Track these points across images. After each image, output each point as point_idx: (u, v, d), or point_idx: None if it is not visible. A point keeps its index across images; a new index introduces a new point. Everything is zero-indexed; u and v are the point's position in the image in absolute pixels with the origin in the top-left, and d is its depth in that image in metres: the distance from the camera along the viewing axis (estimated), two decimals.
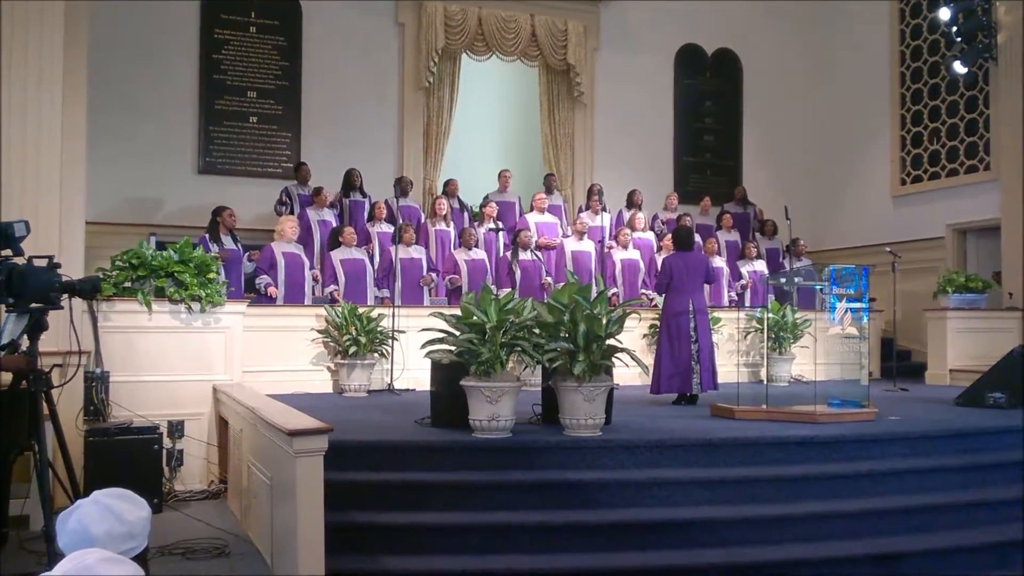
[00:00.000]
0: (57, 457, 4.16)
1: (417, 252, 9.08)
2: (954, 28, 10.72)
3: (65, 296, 4.01)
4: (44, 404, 4.00)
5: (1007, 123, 10.12)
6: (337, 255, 8.79)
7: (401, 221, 9.26)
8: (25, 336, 3.88)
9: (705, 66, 13.16)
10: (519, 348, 5.20)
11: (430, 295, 9.12)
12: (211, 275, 6.30)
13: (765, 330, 8.46)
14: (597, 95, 12.38)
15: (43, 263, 3.96)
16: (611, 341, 5.28)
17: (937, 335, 9.85)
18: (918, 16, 11.83)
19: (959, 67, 10.77)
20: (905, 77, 11.99)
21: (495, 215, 10.00)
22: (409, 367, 7.98)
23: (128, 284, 6.13)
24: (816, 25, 13.29)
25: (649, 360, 7.56)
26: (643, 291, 9.72)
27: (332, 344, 7.90)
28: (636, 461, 5.00)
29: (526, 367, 6.17)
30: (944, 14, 10.84)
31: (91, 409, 5.59)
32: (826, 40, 13.18)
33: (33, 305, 3.87)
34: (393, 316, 7.97)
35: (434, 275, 9.09)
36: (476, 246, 9.53)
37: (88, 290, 4.10)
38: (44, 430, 3.94)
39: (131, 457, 5.32)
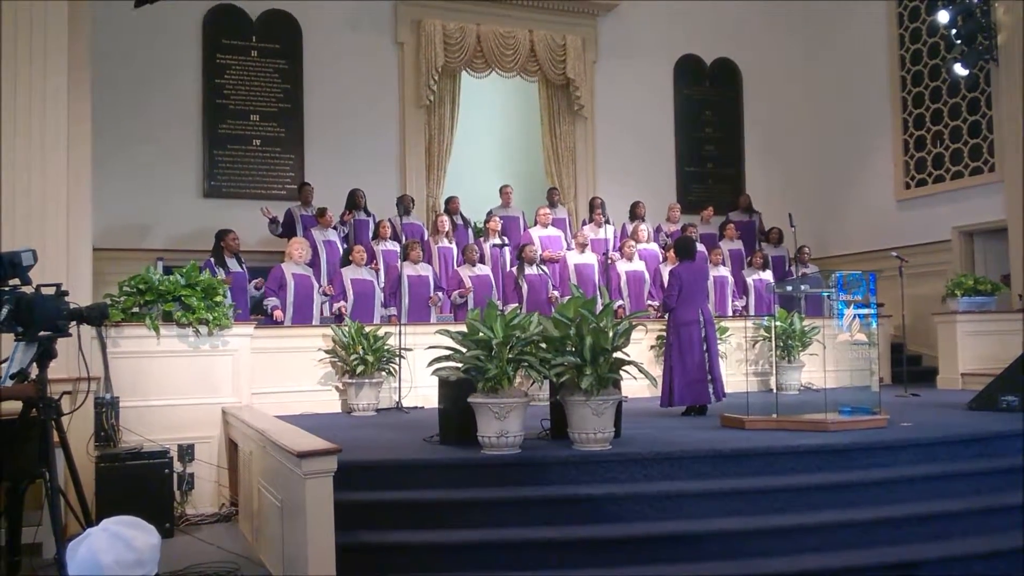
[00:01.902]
0: (68, 484, 4.16)
1: (424, 269, 9.11)
2: (953, 30, 10.72)
3: (73, 323, 4.03)
4: (54, 432, 4.01)
5: (1010, 124, 10.10)
6: (348, 273, 8.82)
7: (405, 239, 9.29)
8: (34, 364, 3.89)
9: (704, 76, 13.20)
10: (526, 363, 5.19)
11: (437, 313, 9.13)
12: (218, 298, 6.32)
13: (773, 338, 8.43)
14: (597, 108, 12.42)
15: (51, 291, 3.97)
16: (618, 354, 5.26)
17: (947, 339, 9.81)
18: (917, 19, 11.85)
19: (960, 69, 10.78)
20: (906, 81, 11.99)
21: (499, 230, 10.03)
22: (417, 385, 7.97)
23: (136, 309, 6.17)
24: (814, 31, 13.33)
25: (657, 372, 7.54)
26: (649, 303, 9.71)
27: (340, 364, 7.91)
28: (647, 474, 4.98)
29: (533, 382, 6.15)
30: (943, 17, 10.86)
31: (102, 435, 5.61)
32: (825, 46, 13.20)
33: (41, 333, 3.88)
34: (400, 334, 7.98)
35: (440, 294, 9.11)
36: (481, 262, 9.55)
37: (96, 317, 4.11)
38: (55, 458, 3.95)
39: (142, 482, 5.35)
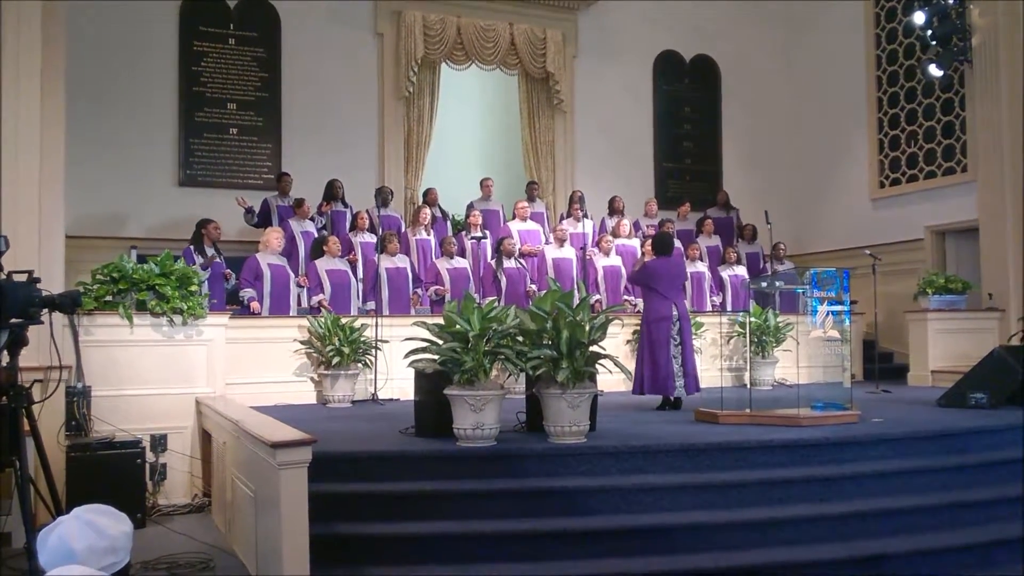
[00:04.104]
0: (39, 473, 4.11)
1: (402, 261, 9.08)
2: (929, 32, 10.86)
3: (45, 311, 3.98)
4: (25, 420, 3.97)
5: (983, 125, 10.23)
6: (322, 264, 8.77)
7: (382, 231, 9.24)
8: (5, 352, 3.85)
9: (683, 72, 13.25)
10: (502, 356, 5.20)
11: (415, 307, 9.11)
12: (193, 287, 6.27)
13: (748, 334, 8.49)
14: (576, 102, 12.44)
15: (23, 278, 3.93)
16: (594, 348, 5.29)
17: (918, 336, 9.94)
18: (893, 20, 11.97)
19: (934, 70, 10.90)
20: (882, 81, 12.11)
21: (480, 223, 10.02)
22: (393, 377, 7.95)
23: (109, 298, 6.10)
24: (793, 30, 13.43)
25: (632, 366, 7.57)
26: (626, 297, 9.76)
27: (315, 355, 7.88)
28: (621, 467, 5.01)
29: (510, 375, 6.17)
30: (919, 18, 10.98)
31: (73, 424, 5.54)
32: (803, 45, 13.31)
33: (13, 320, 3.83)
34: (376, 326, 7.95)
35: (420, 292, 9.09)
36: (460, 255, 9.53)
37: (68, 304, 4.06)
38: (25, 446, 3.90)
39: (113, 472, 5.29)
